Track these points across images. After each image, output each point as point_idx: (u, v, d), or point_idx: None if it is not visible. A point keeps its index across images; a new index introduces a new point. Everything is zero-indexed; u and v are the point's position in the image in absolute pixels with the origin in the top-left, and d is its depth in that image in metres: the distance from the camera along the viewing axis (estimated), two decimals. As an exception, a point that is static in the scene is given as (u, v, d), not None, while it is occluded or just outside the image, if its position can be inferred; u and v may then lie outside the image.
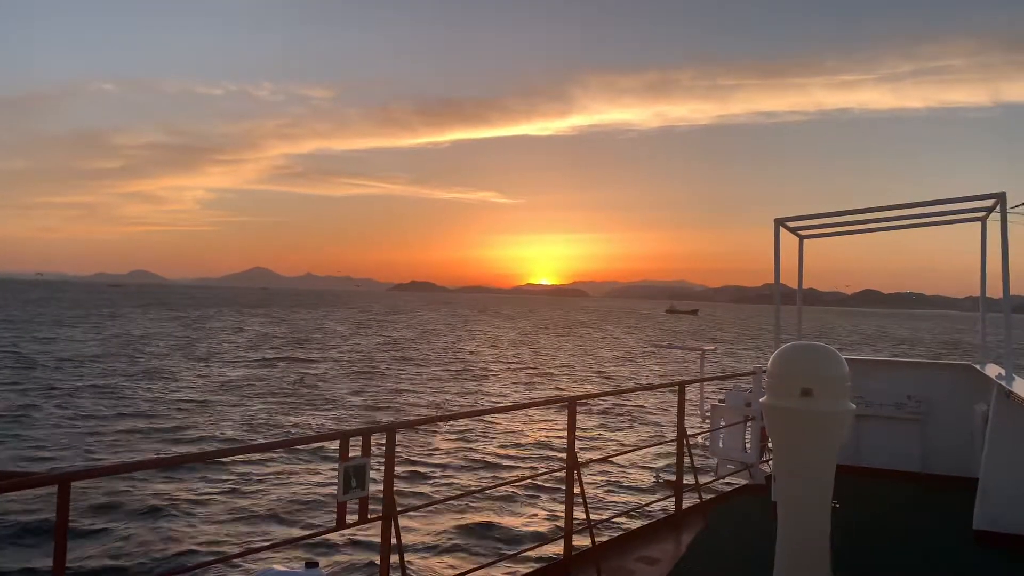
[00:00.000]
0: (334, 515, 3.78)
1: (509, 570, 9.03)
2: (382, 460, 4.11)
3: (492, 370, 35.72)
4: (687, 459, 6.61)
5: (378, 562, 4.09)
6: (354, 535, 9.86)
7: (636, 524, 7.32)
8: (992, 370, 6.99)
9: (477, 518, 11.68)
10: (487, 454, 16.45)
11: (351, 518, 3.82)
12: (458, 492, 12.53)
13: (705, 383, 8.44)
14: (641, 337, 70.37)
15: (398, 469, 11.20)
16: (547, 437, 18.55)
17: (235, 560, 8.68)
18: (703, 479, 7.01)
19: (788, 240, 8.33)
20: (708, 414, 8.33)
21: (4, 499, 10.75)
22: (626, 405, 23.70)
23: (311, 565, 3.23)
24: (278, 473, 13.94)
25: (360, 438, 3.89)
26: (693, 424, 8.28)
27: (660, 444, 12.93)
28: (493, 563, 7.68)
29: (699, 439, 8.51)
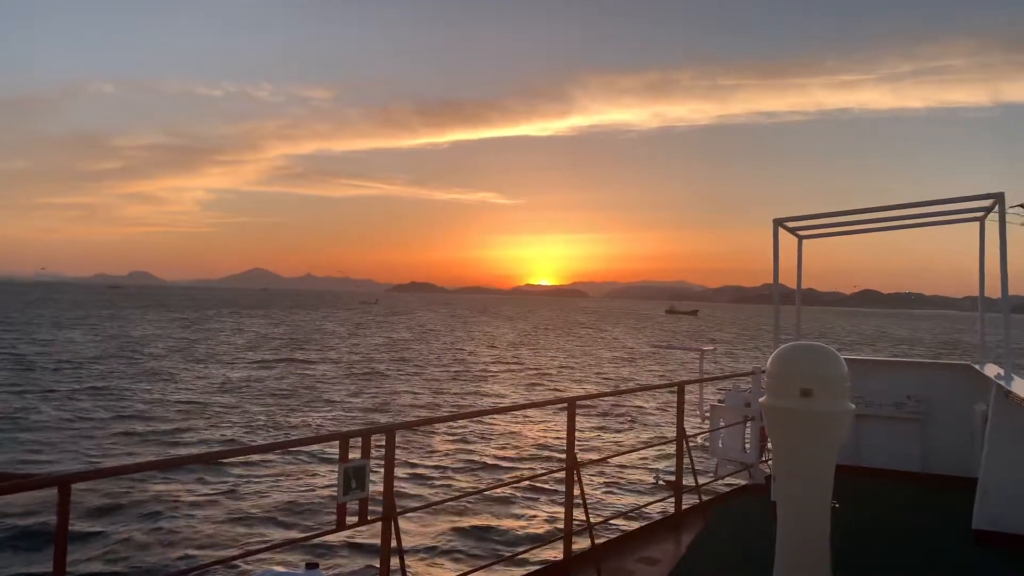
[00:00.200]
0: (334, 516, 3.78)
1: (509, 571, 9.02)
2: (382, 461, 4.10)
3: (491, 371, 35.72)
4: (687, 459, 6.61)
5: (378, 563, 4.09)
6: (354, 536, 9.86)
7: (636, 525, 7.33)
8: (991, 370, 6.99)
9: (477, 519, 11.68)
10: (487, 455, 16.45)
11: (351, 519, 3.82)
12: (458, 493, 12.53)
13: (704, 383, 8.45)
14: (641, 338, 70.37)
15: (398, 470, 11.21)
16: (547, 438, 18.55)
17: (235, 561, 8.68)
18: (703, 479, 7.01)
19: (787, 240, 8.33)
20: (708, 414, 8.33)
21: (4, 501, 10.75)
22: (625, 406, 23.71)
23: (311, 566, 3.23)
24: (278, 474, 13.94)
25: (360, 439, 3.89)
26: (693, 424, 8.28)
27: (659, 445, 12.94)
28: (493, 564, 7.68)
29: (699, 439, 8.51)
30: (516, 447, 17.43)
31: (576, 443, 5.38)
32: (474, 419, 19.81)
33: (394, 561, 4.04)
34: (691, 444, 6.73)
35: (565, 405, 5.49)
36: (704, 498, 6.87)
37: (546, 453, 16.84)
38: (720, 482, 8.40)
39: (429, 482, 13.96)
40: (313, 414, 21.44)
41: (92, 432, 17.73)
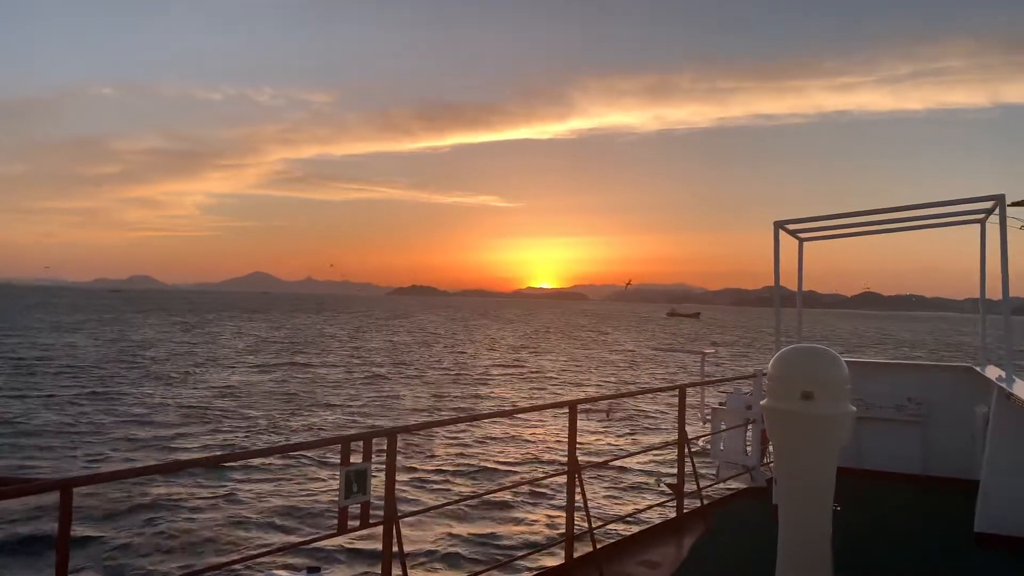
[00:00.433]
0: (335, 520, 3.78)
1: (511, 575, 9.02)
2: (383, 465, 4.11)
3: (492, 374, 35.71)
4: (688, 463, 6.61)
5: (380, 567, 4.09)
6: (355, 540, 9.86)
7: (637, 528, 7.32)
8: (992, 372, 6.99)
9: (478, 523, 11.67)
10: (488, 458, 16.44)
11: (352, 523, 3.82)
12: (459, 497, 12.52)
13: (706, 386, 8.44)
14: (642, 340, 70.33)
15: (399, 474, 11.21)
16: (548, 441, 18.55)
17: (237, 565, 8.66)
18: (704, 483, 7.00)
19: (788, 243, 8.33)
20: (709, 417, 8.32)
21: (6, 506, 10.75)
22: (627, 409, 23.69)
23: (313, 570, 3.23)
24: (279, 478, 13.94)
25: (361, 443, 3.90)
26: (694, 427, 8.27)
27: (661, 448, 12.93)
28: (495, 567, 7.67)
29: (700, 442, 8.50)
30: (518, 450, 17.42)
31: (577, 446, 5.38)
32: (476, 422, 19.80)
33: (396, 565, 4.04)
34: (692, 447, 6.73)
35: (567, 408, 5.49)
36: (705, 501, 6.86)
37: (548, 456, 16.83)
38: (721, 485, 8.39)
39: (431, 486, 13.96)
40: (314, 418, 21.44)
41: (93, 436, 17.74)
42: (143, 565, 9.72)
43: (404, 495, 12.79)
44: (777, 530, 3.74)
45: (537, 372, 37.43)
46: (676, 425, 6.86)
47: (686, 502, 6.73)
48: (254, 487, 13.28)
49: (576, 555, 5.38)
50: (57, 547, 2.79)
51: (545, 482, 13.15)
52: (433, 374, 34.36)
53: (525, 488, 13.08)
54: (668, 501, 7.11)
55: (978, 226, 7.92)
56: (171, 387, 26.89)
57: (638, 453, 13.91)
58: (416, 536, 10.69)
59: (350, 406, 23.82)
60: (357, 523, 3.85)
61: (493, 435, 18.84)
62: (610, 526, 10.10)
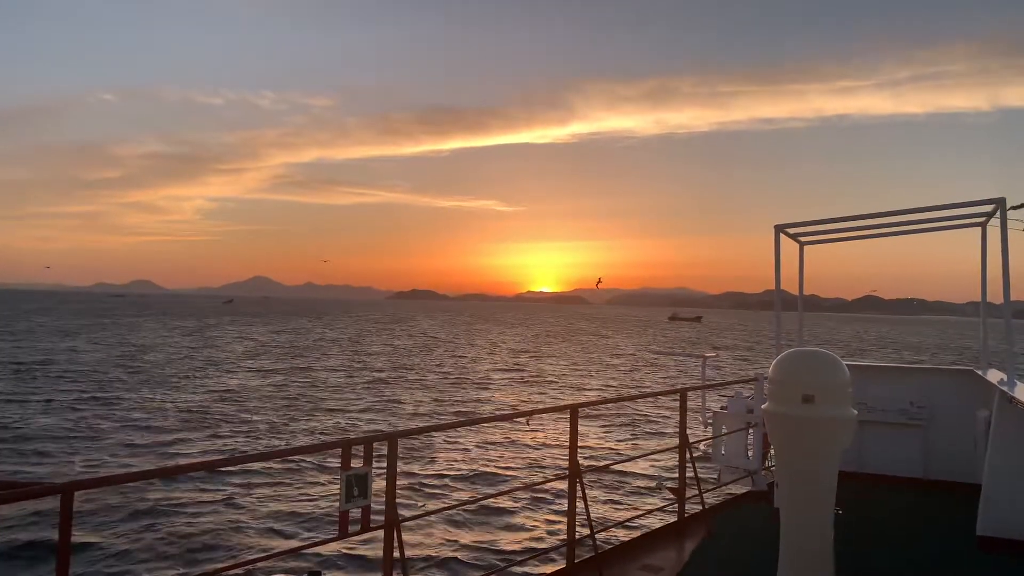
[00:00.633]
0: (336, 524, 3.78)
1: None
2: (384, 469, 4.11)
3: (493, 378, 35.70)
4: (689, 467, 6.60)
5: (380, 571, 4.09)
6: (356, 544, 9.85)
7: (638, 532, 7.31)
8: (994, 375, 6.98)
9: (479, 527, 11.66)
10: (489, 462, 16.43)
11: (353, 527, 3.82)
12: (460, 500, 12.51)
13: (707, 390, 8.44)
14: (643, 344, 70.31)
15: (400, 478, 11.18)
16: (549, 445, 18.53)
17: (238, 570, 8.66)
18: (705, 486, 7.00)
19: (789, 246, 8.34)
20: (710, 421, 8.32)
21: (7, 510, 10.75)
22: (628, 412, 23.68)
23: (314, 574, 3.23)
24: (280, 482, 13.93)
25: (362, 447, 3.90)
26: (695, 431, 8.26)
27: (662, 451, 12.91)
28: (496, 571, 7.67)
29: (701, 446, 8.50)
30: (519, 454, 17.41)
31: (578, 450, 5.38)
32: (476, 426, 19.80)
33: (396, 569, 4.04)
34: (694, 451, 6.73)
35: (568, 412, 5.48)
36: (707, 505, 6.86)
37: (549, 460, 16.81)
38: (723, 489, 8.39)
39: (431, 490, 13.94)
40: (315, 422, 21.43)
41: (93, 441, 17.73)
42: (144, 570, 9.71)
43: (405, 499, 12.78)
44: (779, 534, 3.74)
45: (538, 376, 37.42)
46: (677, 429, 6.86)
47: (687, 506, 6.72)
48: (254, 491, 13.28)
49: (577, 560, 5.38)
50: (58, 551, 2.79)
51: (546, 486, 13.14)
52: (434, 378, 34.35)
53: (526, 492, 13.06)
54: (669, 505, 7.11)
55: (979, 229, 7.92)
56: (171, 391, 26.89)
57: (639, 457, 13.89)
58: (417, 540, 10.68)
59: (351, 410, 23.81)
60: (358, 527, 3.85)
61: (494, 439, 18.83)
62: (611, 530, 10.10)
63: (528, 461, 16.71)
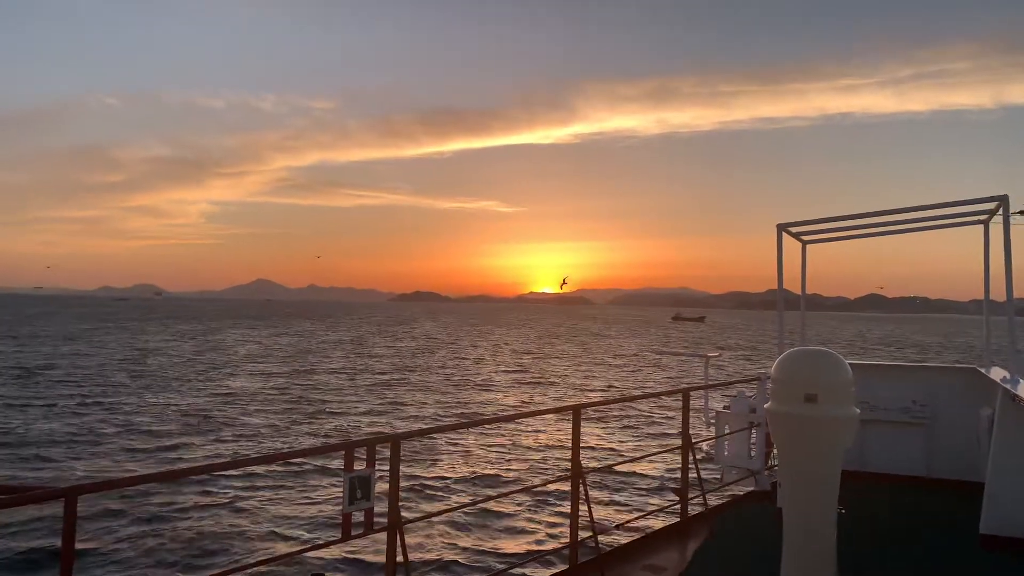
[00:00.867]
0: (339, 526, 3.78)
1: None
2: (387, 471, 4.11)
3: (496, 379, 35.70)
4: (692, 467, 6.60)
5: (384, 574, 4.09)
6: (360, 547, 9.84)
7: (641, 532, 7.30)
8: (997, 373, 6.97)
9: (483, 528, 11.66)
10: (492, 463, 16.43)
11: (356, 530, 3.82)
12: (463, 502, 12.51)
13: (710, 390, 8.43)
14: (646, 344, 70.27)
15: (403, 480, 11.18)
16: (552, 446, 18.52)
17: (240, 573, 8.67)
18: (708, 486, 6.99)
19: (791, 245, 8.33)
20: (713, 421, 8.31)
21: (10, 514, 10.76)
22: (631, 413, 23.67)
23: (317, 576, 3.23)
24: (283, 485, 13.94)
25: (365, 449, 3.90)
26: (698, 431, 8.25)
27: (665, 452, 12.90)
28: (499, 573, 7.66)
29: (704, 446, 8.49)
30: (521, 455, 17.40)
31: (581, 450, 5.38)
32: (479, 427, 19.79)
33: (399, 572, 4.04)
34: (696, 451, 6.72)
35: (570, 412, 5.48)
36: (710, 505, 6.85)
37: (551, 461, 16.81)
38: (726, 489, 8.38)
39: (435, 491, 13.94)
40: (317, 424, 21.44)
41: (96, 445, 17.75)
42: (147, 573, 9.72)
43: (408, 501, 12.78)
44: (782, 534, 3.73)
45: (540, 377, 37.41)
46: (680, 429, 6.85)
47: (690, 506, 6.72)
48: (257, 494, 13.28)
49: (580, 560, 5.37)
50: (61, 555, 2.80)
51: (548, 487, 13.13)
52: (436, 380, 34.36)
53: (529, 493, 13.05)
54: (672, 505, 7.10)
55: (981, 227, 7.91)
56: (173, 394, 26.91)
57: (642, 458, 13.89)
58: (420, 542, 10.68)
59: (353, 412, 23.82)
60: (361, 530, 3.85)
61: (497, 440, 18.82)
62: (614, 531, 10.09)
63: (530, 462, 16.70)
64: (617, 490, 14.07)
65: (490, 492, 13.70)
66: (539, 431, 20.14)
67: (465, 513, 12.01)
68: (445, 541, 10.95)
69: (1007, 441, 5.84)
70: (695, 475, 6.60)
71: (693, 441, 6.69)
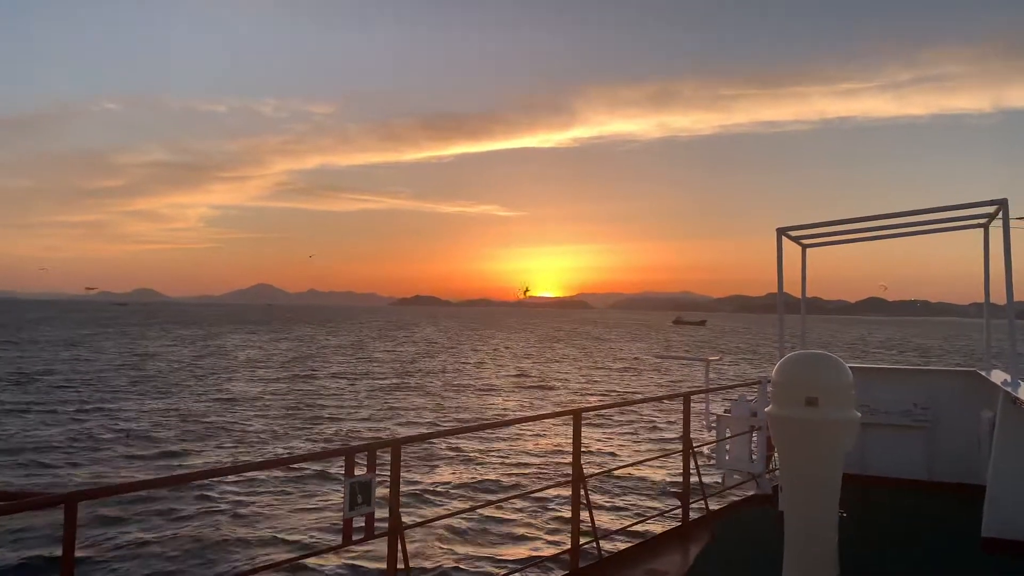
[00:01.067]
0: (340, 532, 3.78)
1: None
2: (388, 476, 4.10)
3: (496, 384, 35.68)
4: (693, 470, 6.59)
5: (385, 578, 4.08)
6: (360, 552, 9.83)
7: (642, 537, 7.29)
8: (998, 376, 6.96)
9: (484, 532, 11.64)
10: (493, 468, 16.40)
11: (357, 535, 3.82)
12: (464, 507, 12.48)
13: (710, 394, 8.43)
14: (646, 348, 70.23)
15: (404, 485, 11.17)
16: (552, 450, 18.50)
17: (241, 578, 8.66)
18: (709, 490, 6.98)
19: (791, 249, 8.34)
20: (714, 425, 8.30)
21: (10, 520, 10.75)
22: (632, 417, 23.64)
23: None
24: (283, 490, 13.91)
25: (365, 454, 3.90)
26: (699, 435, 8.25)
27: (666, 456, 12.88)
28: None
29: (705, 450, 8.48)
30: (522, 460, 17.38)
31: (582, 455, 5.37)
32: (480, 432, 19.77)
33: (401, 576, 4.04)
34: (697, 455, 6.71)
35: (571, 417, 5.48)
36: (711, 509, 6.84)
37: (552, 465, 16.78)
38: (727, 493, 8.37)
39: (435, 496, 13.93)
40: (318, 429, 21.42)
41: (97, 450, 17.74)
42: (148, 579, 9.70)
43: (409, 506, 12.76)
44: (783, 538, 3.72)
45: (541, 381, 37.39)
46: (681, 433, 6.84)
47: (691, 510, 6.70)
48: (258, 499, 13.26)
49: (581, 565, 5.36)
50: (62, 561, 2.79)
51: (549, 492, 13.11)
52: (437, 384, 34.33)
53: (529, 498, 13.03)
54: (673, 509, 7.09)
55: (981, 231, 7.91)
56: (173, 399, 26.89)
57: (643, 462, 13.87)
58: (421, 547, 10.66)
59: (354, 417, 23.80)
60: (361, 535, 3.84)
61: (498, 444, 18.80)
62: (615, 536, 10.07)
63: (531, 467, 16.68)
64: (618, 494, 14.04)
65: (491, 497, 13.68)
66: (540, 435, 20.11)
67: (466, 518, 11.99)
68: (446, 546, 10.93)
69: (1008, 444, 5.83)
70: (696, 479, 6.59)
71: (694, 445, 6.68)
